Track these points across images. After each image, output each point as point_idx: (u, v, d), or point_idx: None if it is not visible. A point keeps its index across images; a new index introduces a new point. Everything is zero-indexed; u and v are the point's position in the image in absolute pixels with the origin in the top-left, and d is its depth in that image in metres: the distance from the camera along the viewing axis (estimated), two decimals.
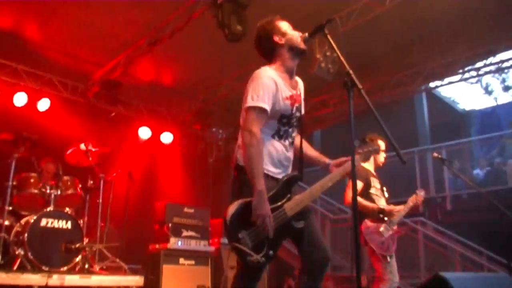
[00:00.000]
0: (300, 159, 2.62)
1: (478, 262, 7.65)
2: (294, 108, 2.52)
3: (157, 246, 5.44)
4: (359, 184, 3.90)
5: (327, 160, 2.71)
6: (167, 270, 5.17)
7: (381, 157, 4.14)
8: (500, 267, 7.09)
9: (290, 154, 2.57)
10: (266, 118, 2.43)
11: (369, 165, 4.12)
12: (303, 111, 2.66)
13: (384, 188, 4.18)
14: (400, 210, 4.02)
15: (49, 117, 6.92)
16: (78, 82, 7.37)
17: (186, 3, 5.74)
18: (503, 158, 10.10)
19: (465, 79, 7.86)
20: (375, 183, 4.08)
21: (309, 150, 2.75)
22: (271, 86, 2.42)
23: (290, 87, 2.53)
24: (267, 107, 2.40)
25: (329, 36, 2.36)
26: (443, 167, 9.23)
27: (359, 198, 3.83)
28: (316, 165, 2.78)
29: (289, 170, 2.57)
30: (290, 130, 2.55)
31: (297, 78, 2.69)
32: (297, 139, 2.68)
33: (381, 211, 3.88)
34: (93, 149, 5.51)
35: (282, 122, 2.50)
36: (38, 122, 6.67)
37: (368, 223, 3.87)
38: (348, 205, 3.93)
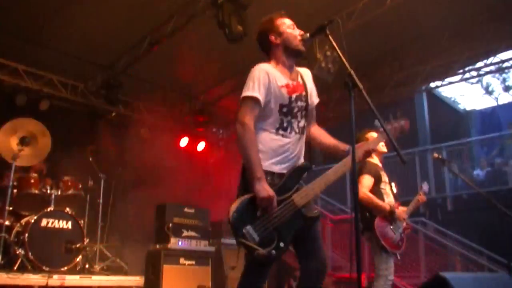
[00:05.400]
0: (308, 147, 2.58)
1: (479, 262, 7.63)
2: (294, 97, 2.49)
3: (157, 246, 5.44)
4: (371, 180, 3.92)
5: (346, 147, 2.51)
6: (167, 270, 5.16)
7: (383, 147, 4.10)
8: (501, 267, 7.07)
9: (298, 146, 2.51)
10: (259, 108, 2.42)
11: (375, 160, 4.10)
12: (313, 101, 2.66)
13: (393, 184, 4.17)
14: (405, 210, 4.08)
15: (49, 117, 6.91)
16: (78, 82, 7.37)
17: (186, 3, 5.74)
18: (503, 159, 10.09)
19: (466, 79, 7.88)
20: (384, 177, 4.07)
21: (326, 139, 2.66)
22: (262, 76, 2.43)
23: (287, 78, 2.53)
24: (259, 96, 2.40)
25: (330, 37, 2.35)
26: (443, 167, 9.22)
27: (371, 196, 3.87)
28: (334, 154, 2.61)
29: (300, 162, 2.52)
30: (294, 121, 2.50)
31: (302, 69, 2.69)
32: (315, 130, 2.70)
33: (392, 212, 3.87)
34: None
35: (282, 112, 2.46)
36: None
37: (379, 221, 3.87)
38: (361, 201, 3.81)
